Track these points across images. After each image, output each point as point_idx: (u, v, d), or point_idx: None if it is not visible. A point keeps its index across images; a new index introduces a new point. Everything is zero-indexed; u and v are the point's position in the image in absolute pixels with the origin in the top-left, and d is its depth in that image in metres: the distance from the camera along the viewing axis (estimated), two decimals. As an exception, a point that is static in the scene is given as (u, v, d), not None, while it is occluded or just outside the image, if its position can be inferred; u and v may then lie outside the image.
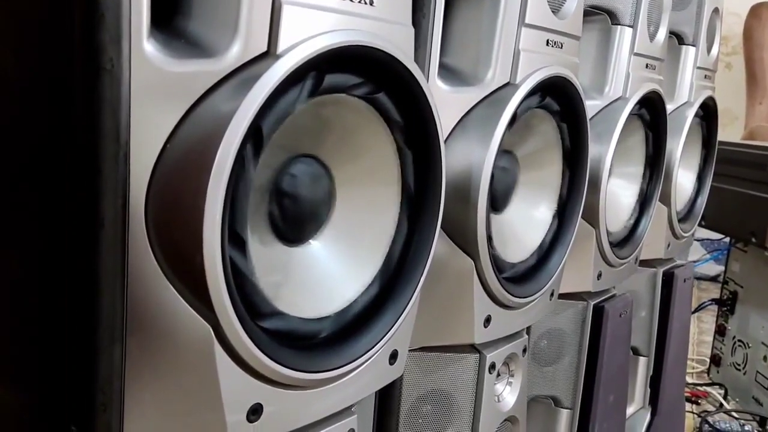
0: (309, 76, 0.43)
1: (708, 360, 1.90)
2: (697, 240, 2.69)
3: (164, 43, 0.39)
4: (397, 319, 0.53)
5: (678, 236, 1.09)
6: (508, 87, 0.62)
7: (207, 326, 0.41)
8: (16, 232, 0.44)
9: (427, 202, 0.54)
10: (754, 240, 1.60)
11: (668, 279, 1.11)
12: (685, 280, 1.12)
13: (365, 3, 0.45)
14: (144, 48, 0.38)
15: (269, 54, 0.41)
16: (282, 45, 0.41)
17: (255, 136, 0.40)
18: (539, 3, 0.63)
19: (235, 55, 0.40)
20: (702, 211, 1.16)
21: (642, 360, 1.14)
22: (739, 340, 1.75)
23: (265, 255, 0.46)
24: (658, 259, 1.10)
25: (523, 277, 0.70)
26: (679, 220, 1.10)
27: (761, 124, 2.55)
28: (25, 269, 0.44)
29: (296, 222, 0.48)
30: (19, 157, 0.43)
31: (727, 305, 1.79)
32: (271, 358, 0.44)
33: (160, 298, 0.40)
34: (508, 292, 0.66)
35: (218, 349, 0.41)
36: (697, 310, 1.96)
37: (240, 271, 0.41)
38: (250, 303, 0.43)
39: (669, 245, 1.08)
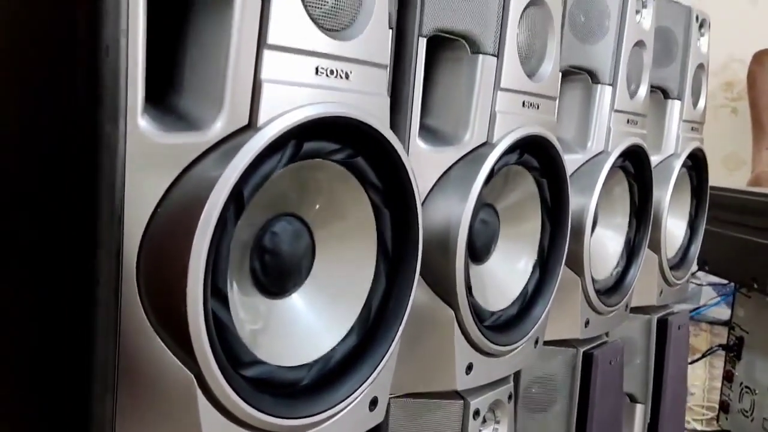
0: (288, 144, 0.47)
1: (717, 407, 1.89)
2: (710, 284, 2.69)
3: (156, 118, 0.44)
4: (375, 368, 0.56)
5: (671, 283, 1.12)
6: (486, 146, 0.66)
7: (190, 375, 0.44)
8: (17, 286, 0.48)
9: (405, 259, 0.58)
10: (755, 286, 1.61)
11: (662, 326, 1.13)
12: (679, 327, 1.14)
13: (341, 77, 0.50)
14: (138, 123, 0.43)
15: (250, 126, 0.45)
16: (262, 118, 0.45)
17: (236, 200, 0.44)
18: (514, 69, 0.68)
19: (219, 128, 0.45)
20: (695, 259, 1.19)
21: (639, 407, 1.15)
22: (746, 386, 1.74)
23: (248, 307, 0.50)
24: (652, 306, 1.12)
25: (505, 325, 0.73)
26: (672, 268, 1.13)
27: (766, 170, 2.57)
28: (25, 322, 0.48)
29: (277, 276, 0.52)
30: (21, 216, 0.48)
31: (734, 351, 1.79)
32: (252, 406, 0.47)
33: (148, 350, 0.44)
34: (490, 341, 0.69)
35: (201, 397, 0.45)
36: (705, 355, 1.95)
37: (222, 323, 0.45)
38: (231, 353, 0.46)
39: (661, 292, 1.10)
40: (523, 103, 0.69)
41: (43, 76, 0.46)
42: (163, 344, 0.44)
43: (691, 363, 2.11)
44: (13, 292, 0.48)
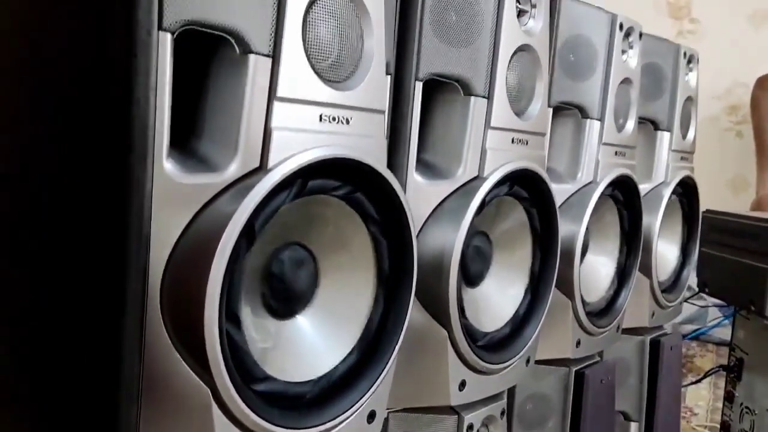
0: (295, 183, 0.53)
1: (719, 427, 1.91)
2: (716, 305, 2.72)
3: (179, 161, 0.50)
4: (374, 383, 0.61)
5: (663, 306, 1.16)
6: (477, 180, 0.72)
7: (206, 389, 0.50)
8: (54, 307, 0.54)
9: (401, 284, 0.63)
10: (753, 308, 1.65)
11: (655, 346, 1.17)
12: (672, 348, 1.19)
13: (342, 123, 0.56)
14: (164, 166, 0.49)
15: (261, 168, 0.52)
16: (272, 161, 0.52)
17: (248, 233, 0.50)
18: (503, 109, 0.74)
19: (234, 170, 0.51)
20: (687, 282, 1.23)
21: (633, 425, 1.19)
22: (746, 407, 1.77)
23: (259, 327, 0.56)
24: (645, 327, 1.17)
25: (497, 345, 0.79)
26: (664, 291, 1.18)
27: (769, 193, 2.60)
28: (59, 337, 0.54)
29: (285, 300, 0.58)
30: (61, 244, 0.54)
31: (734, 372, 1.82)
32: (262, 417, 0.53)
33: (169, 364, 0.50)
34: (482, 359, 0.75)
35: (215, 408, 0.51)
36: (706, 375, 1.98)
37: (235, 342, 0.51)
38: (244, 369, 0.52)
39: (653, 314, 1.15)
40: (512, 139, 0.75)
41: (84, 124, 0.52)
42: (182, 360, 0.50)
43: (694, 383, 2.15)
44: (51, 312, 0.55)
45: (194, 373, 0.50)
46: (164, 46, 0.47)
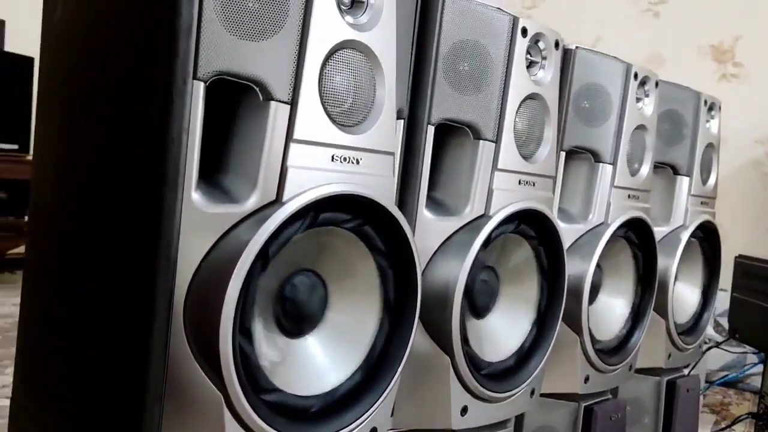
0: (307, 215, 0.60)
1: (749, 476, 1.87)
2: (754, 352, 2.66)
3: (206, 192, 0.57)
4: (376, 401, 0.66)
5: (680, 348, 1.18)
6: (483, 218, 0.78)
7: (220, 396, 0.56)
8: (92, 317, 0.62)
9: (405, 310, 0.69)
10: (783, 355, 1.63)
11: (671, 388, 1.19)
12: (688, 390, 1.20)
13: (353, 163, 0.63)
14: (192, 196, 0.56)
15: (277, 201, 0.58)
16: (286, 195, 0.58)
17: (263, 258, 0.57)
18: (510, 152, 0.79)
19: (253, 202, 0.58)
20: (707, 325, 1.25)
21: (648, 465, 1.20)
22: (777, 457, 1.74)
23: (270, 343, 0.62)
24: (662, 368, 1.18)
25: (501, 375, 0.83)
26: (683, 333, 1.19)
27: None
28: (94, 345, 0.61)
29: (295, 320, 0.64)
30: (97, 264, 0.61)
31: (763, 419, 1.79)
32: (269, 425, 0.59)
33: (188, 371, 0.56)
34: (485, 387, 0.79)
35: (227, 413, 0.57)
36: (734, 423, 1.95)
37: (246, 355, 0.57)
38: (254, 380, 0.58)
39: (670, 356, 1.17)
40: (519, 181, 0.80)
41: (126, 158, 0.60)
42: (200, 368, 0.56)
43: (722, 430, 2.11)
44: (89, 321, 0.62)
45: (210, 380, 0.56)
46: (197, 93, 0.55)
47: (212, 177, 0.59)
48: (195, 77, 0.54)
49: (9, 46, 2.54)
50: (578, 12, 2.88)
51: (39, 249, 0.72)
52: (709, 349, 1.87)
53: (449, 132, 0.78)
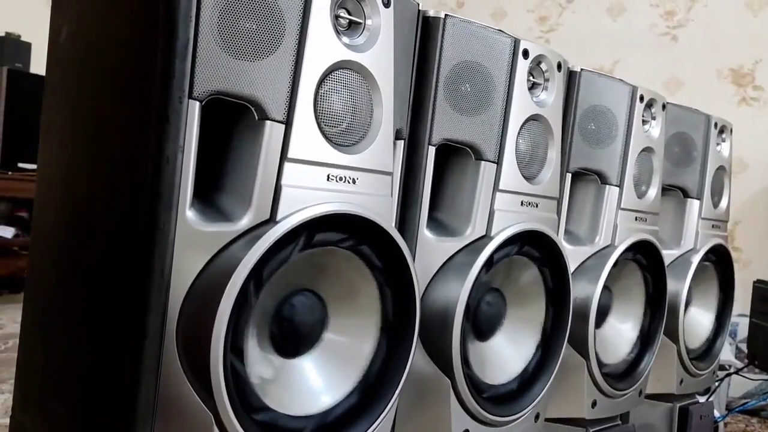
0: (302, 235, 0.60)
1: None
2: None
3: (200, 210, 0.57)
4: (372, 424, 0.66)
5: (692, 374, 1.16)
6: (484, 239, 0.77)
7: (210, 414, 0.56)
8: (88, 335, 0.62)
9: (404, 330, 0.68)
10: (804, 384, 1.59)
11: (684, 414, 1.16)
12: (701, 417, 1.17)
13: (349, 183, 0.63)
14: (186, 214, 0.56)
15: (271, 220, 0.58)
16: (281, 214, 0.58)
17: (256, 278, 0.57)
18: (512, 173, 0.79)
19: (246, 221, 0.58)
20: (721, 351, 1.22)
21: (661, 494, 1.17)
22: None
23: (264, 363, 0.62)
24: (675, 394, 1.16)
25: (504, 398, 0.81)
26: (695, 359, 1.17)
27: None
28: (89, 362, 0.61)
29: (291, 340, 0.63)
30: (91, 281, 0.62)
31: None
32: (260, 445, 0.58)
33: (179, 389, 0.56)
34: (486, 411, 0.78)
35: (217, 432, 0.56)
36: (757, 453, 1.90)
37: (238, 374, 0.57)
38: (244, 399, 0.58)
39: (682, 381, 1.14)
40: (522, 202, 0.80)
41: (121, 177, 0.60)
42: (191, 387, 0.56)
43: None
44: (83, 338, 0.62)
45: (200, 398, 0.56)
46: (193, 112, 0.55)
47: (207, 195, 0.60)
48: (191, 96, 0.55)
49: (35, 68, 2.60)
50: (596, 36, 2.87)
51: (38, 267, 0.73)
52: (727, 375, 1.83)
53: (450, 152, 0.78)
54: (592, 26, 2.87)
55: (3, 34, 2.59)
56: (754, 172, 2.55)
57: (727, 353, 1.90)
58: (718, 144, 1.16)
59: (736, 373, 1.92)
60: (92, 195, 0.65)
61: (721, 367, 1.74)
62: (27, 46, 2.64)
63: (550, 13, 3.00)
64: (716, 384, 1.44)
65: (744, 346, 2.27)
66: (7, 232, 2.44)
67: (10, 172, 2.41)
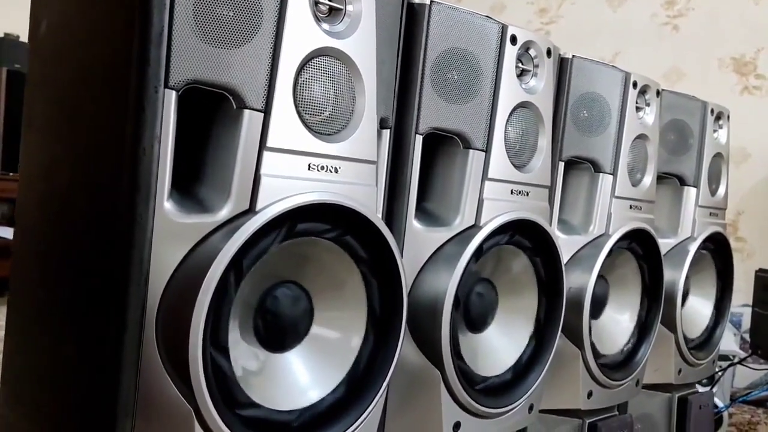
0: (283, 225, 0.59)
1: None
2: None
3: (178, 201, 0.57)
4: (360, 417, 0.65)
5: (691, 363, 1.14)
6: (473, 228, 0.76)
7: (190, 409, 0.55)
8: (66, 330, 0.61)
9: (391, 322, 0.67)
10: (807, 373, 1.58)
11: (683, 404, 1.15)
12: (701, 407, 1.16)
13: (330, 172, 0.62)
14: (164, 206, 0.55)
15: (250, 211, 0.57)
16: (260, 204, 0.57)
17: (236, 269, 0.56)
18: (501, 162, 0.78)
19: (226, 211, 0.57)
20: (720, 340, 1.21)
21: (661, 485, 1.16)
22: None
23: (250, 357, 0.61)
24: (674, 384, 1.15)
25: (497, 390, 0.80)
26: (694, 348, 1.16)
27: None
28: (69, 356, 0.61)
29: (276, 333, 0.62)
30: (70, 274, 0.61)
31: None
32: (244, 441, 0.57)
33: (159, 384, 0.55)
34: (478, 403, 0.77)
35: (198, 428, 0.55)
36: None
37: (220, 368, 0.56)
38: (228, 394, 0.57)
39: (680, 371, 1.13)
40: (512, 191, 0.79)
41: (98, 169, 0.60)
42: (171, 381, 0.55)
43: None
44: (64, 331, 0.61)
45: (181, 393, 0.55)
46: (169, 101, 0.54)
47: (186, 187, 0.59)
48: (167, 86, 0.54)
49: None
50: (597, 26, 2.85)
51: (22, 262, 0.72)
52: (730, 365, 1.81)
53: (438, 141, 0.77)
54: (592, 17, 2.85)
55: (2, 35, 2.59)
56: (757, 162, 2.53)
57: (731, 343, 1.88)
58: (715, 130, 1.14)
59: (740, 363, 1.91)
60: (73, 188, 0.64)
61: (725, 358, 1.72)
62: (26, 47, 2.64)
63: (549, 4, 2.97)
64: (719, 374, 1.43)
65: (748, 336, 2.25)
66: (8, 232, 2.44)
67: (10, 173, 2.41)
